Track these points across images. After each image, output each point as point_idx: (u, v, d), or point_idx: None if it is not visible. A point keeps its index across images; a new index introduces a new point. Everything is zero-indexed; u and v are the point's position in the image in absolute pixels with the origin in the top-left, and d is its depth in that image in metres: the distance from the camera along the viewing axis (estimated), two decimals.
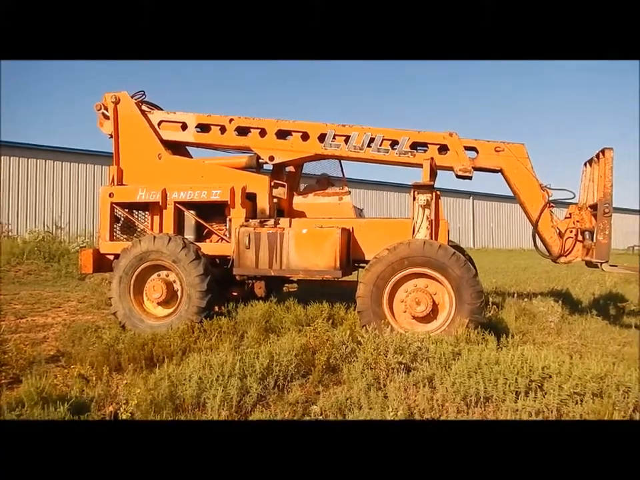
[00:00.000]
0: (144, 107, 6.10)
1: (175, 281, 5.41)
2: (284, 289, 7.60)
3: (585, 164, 5.55)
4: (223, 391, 2.98)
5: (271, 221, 5.50)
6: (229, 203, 5.56)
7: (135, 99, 6.03)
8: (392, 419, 2.62)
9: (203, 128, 6.02)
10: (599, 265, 4.95)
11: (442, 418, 2.82)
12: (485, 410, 3.03)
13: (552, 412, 2.91)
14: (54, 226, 14.64)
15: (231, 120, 5.88)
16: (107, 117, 6.08)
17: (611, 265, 4.96)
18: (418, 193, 5.07)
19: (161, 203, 5.69)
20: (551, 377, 3.16)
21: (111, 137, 6.03)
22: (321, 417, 2.97)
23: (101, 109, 6.09)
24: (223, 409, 2.86)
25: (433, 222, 5.09)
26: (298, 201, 6.15)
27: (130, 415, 2.58)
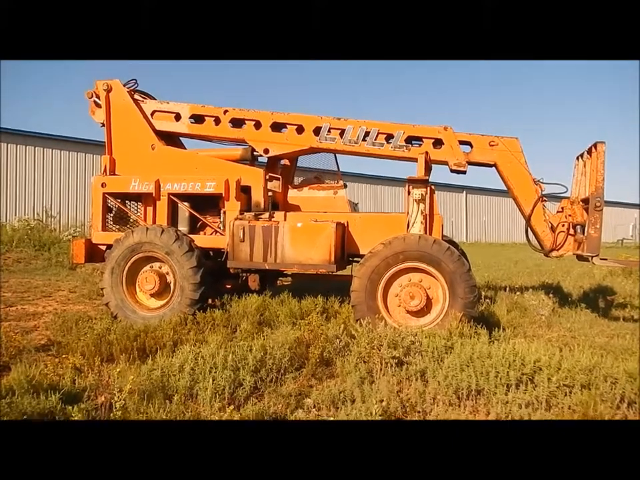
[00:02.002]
0: (136, 96, 6.01)
1: (167, 273, 5.39)
2: (278, 282, 7.60)
3: (578, 158, 5.58)
4: (213, 382, 2.99)
5: (266, 214, 5.48)
6: (223, 195, 5.53)
7: (128, 88, 5.93)
8: (380, 415, 2.63)
9: (197, 119, 5.96)
10: (589, 258, 5.00)
11: (437, 417, 2.84)
12: (476, 402, 3.07)
13: (541, 404, 2.96)
14: (44, 214, 14.46)
15: (226, 111, 5.82)
16: (98, 105, 5.98)
17: (601, 259, 5.02)
18: (413, 188, 5.08)
19: (154, 194, 5.64)
20: (541, 369, 3.21)
21: (103, 125, 5.95)
22: (314, 412, 2.99)
23: (92, 96, 5.97)
24: (215, 401, 2.86)
25: (428, 216, 5.10)
26: (293, 195, 6.13)
27: (123, 403, 2.57)
